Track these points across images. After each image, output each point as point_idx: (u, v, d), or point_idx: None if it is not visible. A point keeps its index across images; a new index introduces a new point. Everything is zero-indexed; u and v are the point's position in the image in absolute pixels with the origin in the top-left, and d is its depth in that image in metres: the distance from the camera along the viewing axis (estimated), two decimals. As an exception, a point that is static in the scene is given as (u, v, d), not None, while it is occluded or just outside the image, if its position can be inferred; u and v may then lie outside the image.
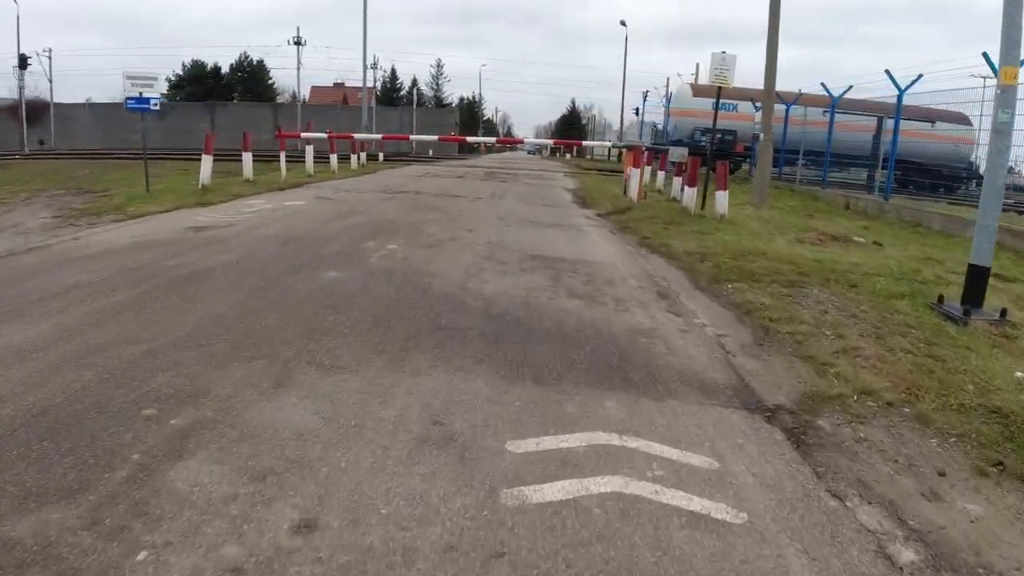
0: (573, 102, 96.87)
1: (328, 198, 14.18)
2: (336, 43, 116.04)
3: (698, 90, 27.81)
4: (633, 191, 15.64)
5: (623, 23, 53.53)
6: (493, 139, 16.50)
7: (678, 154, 16.60)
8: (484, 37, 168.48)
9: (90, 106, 68.49)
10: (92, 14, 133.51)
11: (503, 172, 27.88)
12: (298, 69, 53.77)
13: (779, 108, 26.27)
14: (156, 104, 15.48)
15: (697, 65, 55.78)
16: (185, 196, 13.36)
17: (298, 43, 52.41)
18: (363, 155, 26.96)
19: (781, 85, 25.99)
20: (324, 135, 18.16)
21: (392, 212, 12.06)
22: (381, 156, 29.34)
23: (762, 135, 19.12)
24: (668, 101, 29.89)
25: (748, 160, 25.45)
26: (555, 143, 18.41)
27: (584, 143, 17.96)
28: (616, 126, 68.40)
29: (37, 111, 62.71)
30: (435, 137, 17.28)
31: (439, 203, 13.88)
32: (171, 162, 26.75)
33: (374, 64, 62.40)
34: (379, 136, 18.03)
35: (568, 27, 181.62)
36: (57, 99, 65.93)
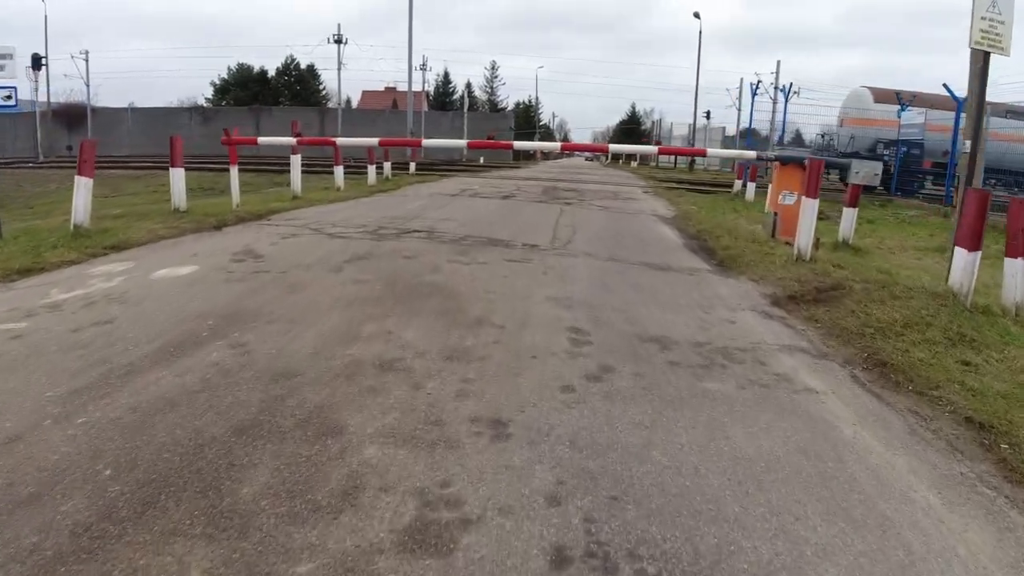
0: (633, 106, 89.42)
1: (254, 256, 7.54)
2: (391, 48, 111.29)
3: (880, 95, 20.72)
4: (803, 240, 8.53)
5: (697, 15, 46.02)
6: (556, 145, 10.57)
7: (865, 172, 9.44)
8: (543, 43, 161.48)
9: (132, 111, 64.19)
10: (133, 17, 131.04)
11: (565, 187, 20.92)
12: (339, 69, 47.84)
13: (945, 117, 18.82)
14: (11, 97, 9.26)
15: (778, 62, 47.92)
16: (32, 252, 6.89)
17: (339, 41, 46.49)
18: (387, 166, 20.37)
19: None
20: (291, 141, 11.42)
21: (329, 319, 5.34)
22: (413, 167, 22.68)
23: (967, 147, 11.77)
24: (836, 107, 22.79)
25: (935, 179, 18.55)
26: (660, 151, 11.70)
27: (706, 151, 11.82)
28: (679, 131, 60.81)
29: (75, 116, 58.44)
30: (462, 142, 10.30)
31: (453, 270, 7.17)
32: (195, 172, 20.88)
33: (423, 65, 56.10)
34: (373, 141, 10.90)
35: (629, 33, 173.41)
36: (104, 103, 61.82)
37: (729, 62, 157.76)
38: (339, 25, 47.54)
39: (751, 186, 17.54)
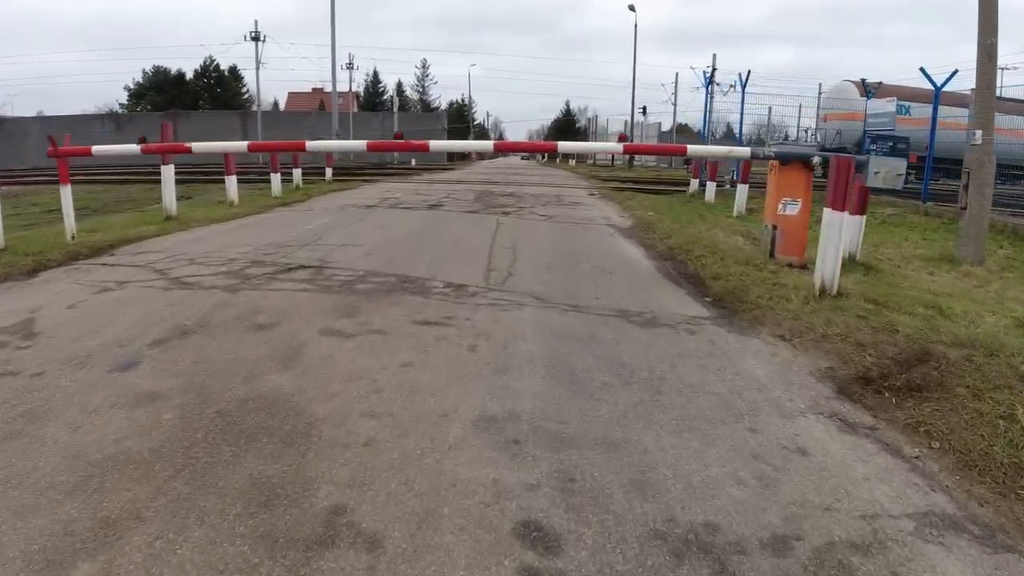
0: (568, 104, 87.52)
1: (24, 335, 4.80)
2: (317, 46, 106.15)
3: (865, 89, 18.66)
4: (828, 268, 6.09)
5: (632, 7, 44.06)
6: (486, 144, 8.46)
7: (886, 172, 7.08)
8: (476, 44, 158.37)
9: (40, 120, 59.05)
10: (43, 22, 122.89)
11: (501, 192, 18.29)
12: (256, 68, 44.24)
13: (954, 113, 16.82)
14: None
15: (713, 56, 46.36)
16: None
17: (256, 38, 42.78)
18: (296, 173, 17.39)
19: (800, 86, 16.84)
20: (134, 149, 8.42)
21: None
22: (329, 173, 19.71)
23: (979, 137, 9.66)
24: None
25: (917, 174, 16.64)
26: (628, 149, 9.29)
27: (687, 148, 9.70)
28: (614, 128, 58.95)
29: (-24, 128, 53.29)
30: (358, 143, 7.38)
31: (322, 356, 4.61)
32: (99, 185, 17.48)
33: (349, 64, 52.72)
34: (240, 145, 8.03)
35: (562, 32, 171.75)
36: (9, 112, 56.68)
37: (661, 59, 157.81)
38: (256, 21, 43.83)
39: (711, 186, 15.22)
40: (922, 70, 14.08)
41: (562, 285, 6.58)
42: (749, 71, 17.00)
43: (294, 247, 8.31)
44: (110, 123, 57.45)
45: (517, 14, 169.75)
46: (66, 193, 8.65)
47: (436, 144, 6.34)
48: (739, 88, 16.91)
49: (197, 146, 8.12)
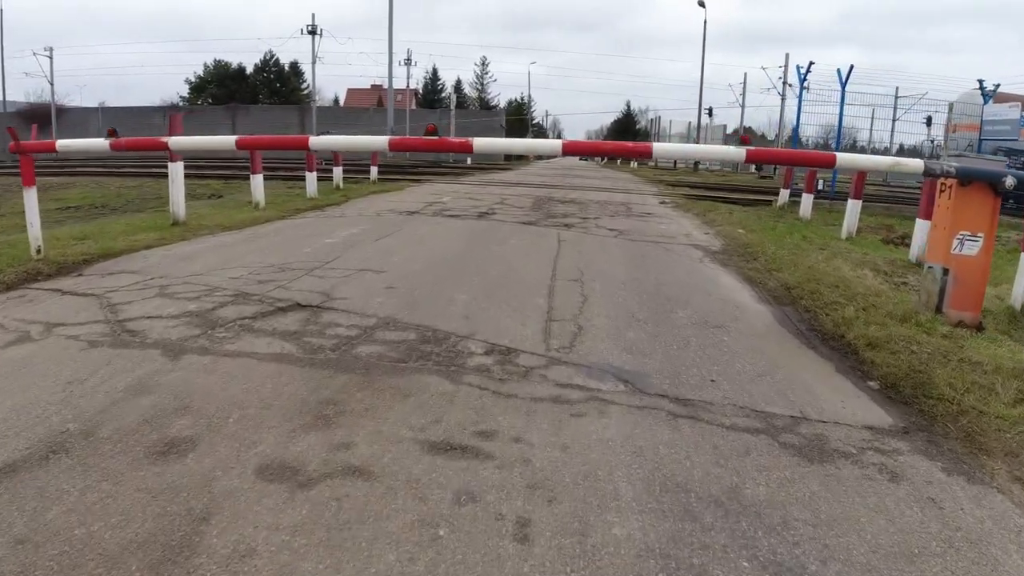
0: (628, 104, 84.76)
1: None
2: (375, 41, 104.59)
3: (1000, 98, 16.01)
4: None
5: (702, 3, 41.35)
6: (552, 144, 6.86)
7: None
8: (536, 43, 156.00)
9: (103, 110, 59.24)
10: (107, 17, 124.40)
11: (561, 197, 16.19)
12: (313, 62, 42.95)
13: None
14: None
15: (787, 57, 43.31)
16: None
17: (312, 32, 41.39)
18: (337, 172, 15.60)
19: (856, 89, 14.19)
20: (101, 143, 6.56)
21: None
22: (374, 171, 17.86)
23: None
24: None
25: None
26: (778, 157, 7.08)
27: (853, 158, 7.70)
28: (676, 129, 56.15)
29: (40, 117, 53.52)
30: (379, 140, 5.23)
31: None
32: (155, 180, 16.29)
33: (407, 60, 51.14)
34: (226, 140, 6.02)
35: (623, 32, 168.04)
36: (76, 103, 57.01)
37: (722, 58, 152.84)
38: (313, 15, 42.41)
39: (807, 199, 12.80)
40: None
41: (655, 352, 4.46)
42: (852, 66, 14.47)
43: (300, 272, 6.36)
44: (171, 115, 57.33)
45: (577, 12, 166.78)
46: (30, 197, 6.89)
47: (482, 143, 4.29)
48: (839, 85, 14.37)
49: (175, 141, 6.21)
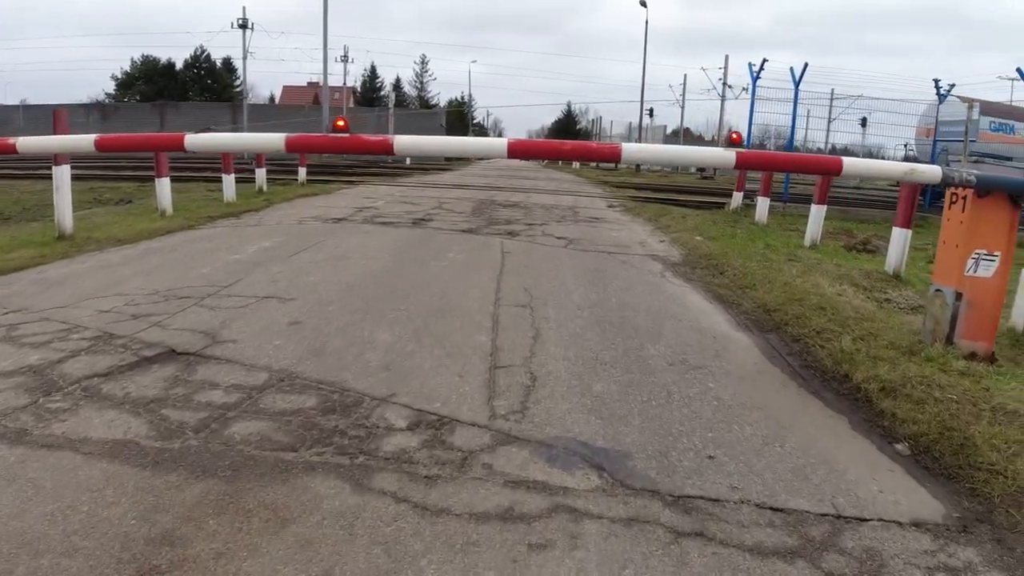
0: (569, 105, 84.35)
1: None
2: (309, 35, 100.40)
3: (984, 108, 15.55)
4: None
5: (643, 3, 40.92)
6: (495, 143, 6.12)
7: None
8: (476, 43, 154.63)
9: (25, 108, 55.67)
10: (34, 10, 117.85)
11: (504, 201, 15.15)
12: (244, 58, 40.99)
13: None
14: None
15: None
16: None
17: (244, 26, 39.32)
18: (260, 174, 14.20)
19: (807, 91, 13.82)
20: None
21: None
22: (302, 173, 16.47)
23: None
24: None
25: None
26: (776, 162, 6.30)
27: (863, 164, 6.83)
28: (616, 131, 55.89)
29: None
30: (279, 139, 4.00)
31: None
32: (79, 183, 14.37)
33: (344, 57, 49.36)
34: (48, 142, 4.75)
35: (564, 34, 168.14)
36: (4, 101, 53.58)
37: (664, 60, 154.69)
38: (244, 8, 40.28)
39: (764, 203, 12.05)
40: (1019, 70, 10.98)
41: (632, 413, 3.44)
42: (806, 64, 13.80)
43: (188, 301, 5.11)
44: (95, 113, 54.08)
45: (520, 14, 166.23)
46: None
47: (406, 143, 3.14)
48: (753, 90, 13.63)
49: (23, 142, 4.89)
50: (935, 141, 15.66)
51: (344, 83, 54.04)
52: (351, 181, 18.87)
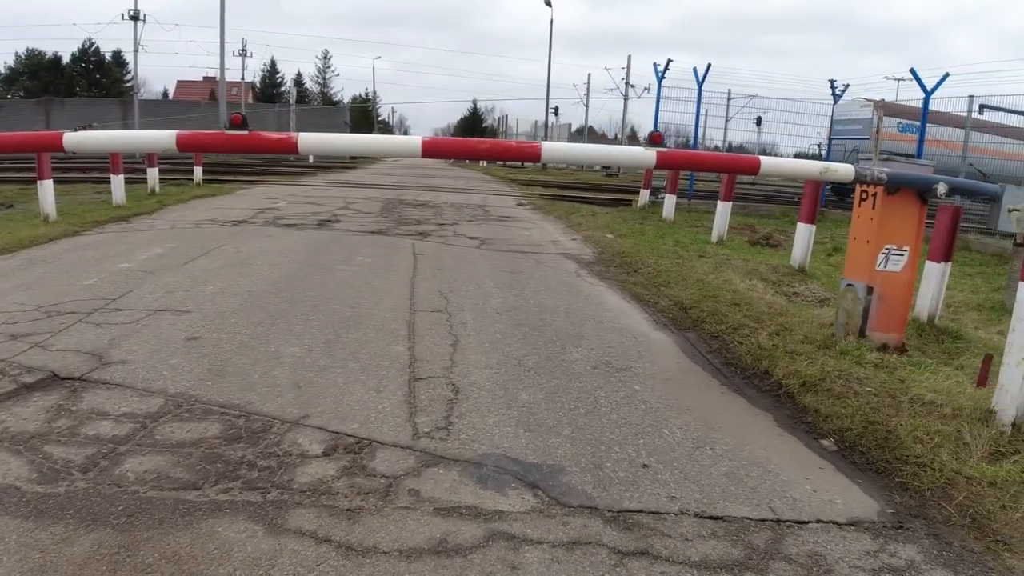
0: (475, 103, 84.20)
1: None
2: (205, 28, 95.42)
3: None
4: (1015, 391, 3.10)
5: (548, 3, 41.24)
6: (407, 142, 5.55)
7: None
8: (381, 39, 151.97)
9: None
10: None
11: (414, 200, 14.83)
12: (135, 51, 38.54)
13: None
14: None
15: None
16: None
17: (135, 18, 37.04)
18: (153, 174, 13.34)
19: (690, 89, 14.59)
20: None
21: None
22: (198, 173, 15.61)
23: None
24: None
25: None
26: (697, 161, 6.18)
27: (777, 163, 6.79)
28: (522, 128, 56.20)
29: None
30: (169, 136, 3.67)
31: None
32: None
33: (243, 51, 47.46)
34: None
35: (473, 31, 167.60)
36: None
37: (569, 60, 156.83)
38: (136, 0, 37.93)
39: (671, 200, 12.26)
40: (912, 72, 11.62)
41: (561, 422, 3.30)
42: (709, 64, 14.15)
43: (73, 317, 4.63)
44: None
45: (423, 10, 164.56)
46: None
47: (311, 141, 2.86)
48: (653, 89, 14.02)
49: None
50: (830, 139, 16.36)
51: (242, 78, 51.95)
52: (251, 181, 18.05)
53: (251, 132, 3.40)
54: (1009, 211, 4.57)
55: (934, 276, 5.35)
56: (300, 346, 4.20)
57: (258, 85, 68.46)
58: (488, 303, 5.67)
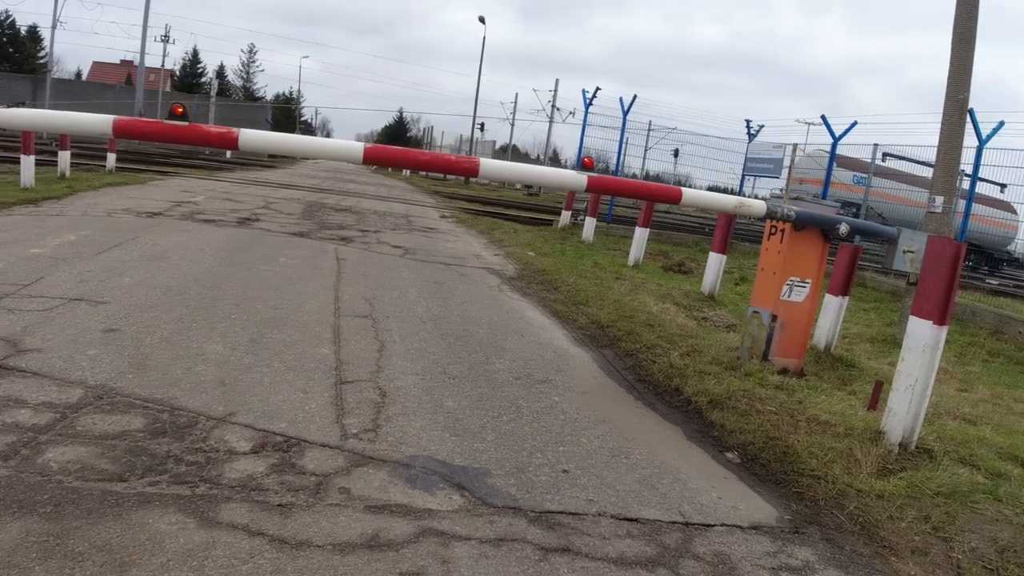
0: (401, 111, 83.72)
1: None
2: (127, 10, 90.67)
3: (840, 161, 16.90)
4: (911, 413, 3.64)
5: (482, 19, 41.64)
6: (350, 146, 5.09)
7: (919, 252, 4.63)
8: (313, 38, 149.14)
9: None
10: None
11: (335, 204, 14.67)
12: (53, 27, 36.52)
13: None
14: None
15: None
16: None
17: (47, -9, 34.98)
18: (64, 157, 12.68)
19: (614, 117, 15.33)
20: None
21: None
22: (111, 160, 14.94)
23: (939, 204, 7.80)
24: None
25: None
26: (625, 188, 6.23)
27: (697, 196, 6.80)
28: (447, 141, 56.31)
29: None
30: (105, 121, 3.58)
31: None
32: None
33: (165, 37, 45.66)
34: None
35: (404, 40, 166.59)
36: None
37: (498, 78, 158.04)
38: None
39: (591, 222, 12.62)
40: (823, 118, 12.42)
41: (486, 428, 3.42)
42: (635, 96, 14.66)
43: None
44: None
45: (354, 13, 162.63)
46: None
47: (252, 138, 2.89)
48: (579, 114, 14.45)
49: None
50: (743, 176, 17.21)
51: (163, 65, 49.94)
52: (166, 172, 17.40)
53: (191, 124, 3.37)
54: (904, 252, 4.99)
55: (832, 308, 5.76)
56: (223, 344, 4.15)
57: (178, 73, 65.92)
58: (413, 311, 5.72)
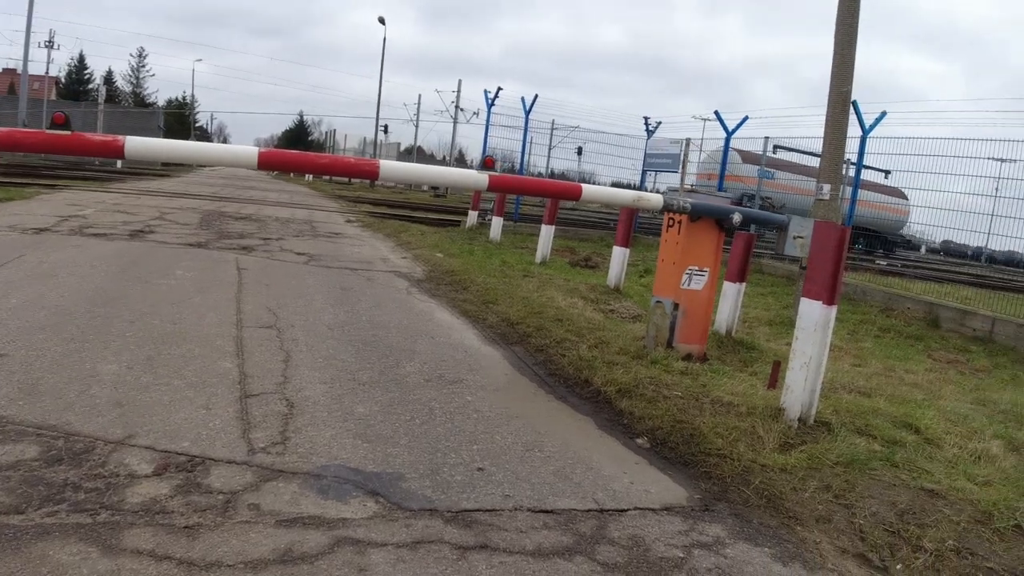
0: (301, 115, 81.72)
1: None
2: (14, 20, 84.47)
3: (746, 156, 17.17)
4: (807, 391, 3.78)
5: (382, 20, 41.10)
6: (244, 151, 4.47)
7: (808, 239, 4.93)
8: (207, 41, 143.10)
9: None
10: None
11: (237, 212, 14.19)
12: None
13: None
14: None
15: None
16: None
17: None
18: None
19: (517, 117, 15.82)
20: None
21: None
22: None
23: (826, 192, 8.31)
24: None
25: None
26: (527, 187, 6.09)
27: (597, 191, 6.72)
28: (350, 144, 55.52)
29: None
30: None
31: None
32: None
33: (49, 42, 42.85)
34: None
35: (302, 42, 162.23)
36: None
37: (401, 80, 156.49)
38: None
39: (498, 222, 12.71)
40: (716, 114, 12.94)
41: (399, 433, 3.40)
42: (536, 95, 14.89)
43: None
44: None
45: (250, 13, 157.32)
46: None
47: (139, 146, 2.77)
48: (483, 114, 14.65)
49: None
50: (643, 171, 17.72)
51: (47, 72, 46.82)
52: (53, 185, 16.35)
53: (74, 133, 3.19)
54: (794, 238, 5.27)
55: (731, 295, 6.03)
56: (119, 363, 3.95)
57: (63, 80, 62.08)
58: (319, 319, 5.61)
